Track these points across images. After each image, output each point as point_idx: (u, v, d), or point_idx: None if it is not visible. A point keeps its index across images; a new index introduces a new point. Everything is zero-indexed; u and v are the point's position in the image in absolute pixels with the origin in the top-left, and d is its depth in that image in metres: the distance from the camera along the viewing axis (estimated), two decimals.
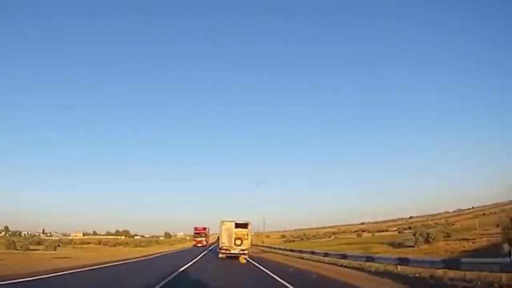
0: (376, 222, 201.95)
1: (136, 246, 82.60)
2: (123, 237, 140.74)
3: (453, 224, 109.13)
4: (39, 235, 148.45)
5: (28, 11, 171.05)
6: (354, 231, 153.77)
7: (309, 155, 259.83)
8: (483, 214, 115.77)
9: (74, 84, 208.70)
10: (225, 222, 30.68)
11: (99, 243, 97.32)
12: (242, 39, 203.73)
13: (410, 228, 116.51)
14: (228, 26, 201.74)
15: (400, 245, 40.51)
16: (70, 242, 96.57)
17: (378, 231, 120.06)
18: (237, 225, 30.43)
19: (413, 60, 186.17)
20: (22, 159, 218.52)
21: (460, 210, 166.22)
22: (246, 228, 30.71)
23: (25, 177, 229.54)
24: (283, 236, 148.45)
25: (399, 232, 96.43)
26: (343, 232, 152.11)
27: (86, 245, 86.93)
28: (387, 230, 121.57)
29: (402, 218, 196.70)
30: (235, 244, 30.06)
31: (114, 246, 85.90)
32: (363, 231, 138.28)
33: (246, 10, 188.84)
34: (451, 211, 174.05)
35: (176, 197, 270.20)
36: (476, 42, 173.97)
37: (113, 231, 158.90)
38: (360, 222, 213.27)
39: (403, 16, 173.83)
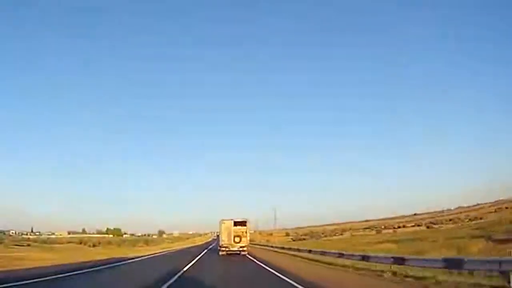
0: (380, 219, 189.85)
1: (119, 246, 66.88)
2: (110, 235, 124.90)
3: (481, 218, 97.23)
4: (27, 234, 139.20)
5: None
6: (365, 228, 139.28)
7: (307, 154, 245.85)
8: (506, 207, 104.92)
9: (68, 82, 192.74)
10: (224, 221, 30.32)
11: (80, 242, 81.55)
12: (243, 38, 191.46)
13: (433, 223, 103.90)
14: (236, 24, 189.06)
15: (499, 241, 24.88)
16: (46, 241, 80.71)
17: (394, 228, 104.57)
18: (236, 223, 30.06)
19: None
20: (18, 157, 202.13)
21: (461, 207, 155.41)
22: (245, 225, 30.32)
23: (20, 175, 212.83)
24: (287, 234, 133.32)
25: (428, 227, 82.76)
26: (351, 229, 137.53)
27: (59, 245, 71.05)
28: (404, 226, 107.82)
29: (405, 216, 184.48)
30: (234, 241, 29.74)
31: (94, 246, 70.15)
32: (375, 227, 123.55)
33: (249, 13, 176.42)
34: (452, 208, 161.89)
35: (173, 196, 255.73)
36: (477, 41, 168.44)
37: (104, 230, 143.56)
38: (365, 219, 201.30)
39: (404, 14, 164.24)
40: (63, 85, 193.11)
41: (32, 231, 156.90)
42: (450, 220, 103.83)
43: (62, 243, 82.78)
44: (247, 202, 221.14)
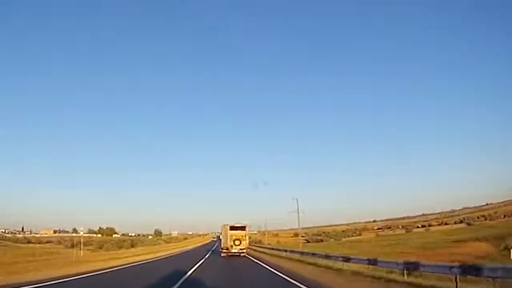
0: (388, 220, 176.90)
1: (99, 248, 52.85)
2: (99, 235, 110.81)
3: None
4: (17, 233, 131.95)
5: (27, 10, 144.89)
6: (378, 228, 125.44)
7: (309, 154, 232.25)
8: None
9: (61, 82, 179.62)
10: (225, 225, 31.72)
11: (59, 242, 68.44)
12: (242, 40, 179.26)
13: (461, 221, 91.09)
14: (229, 27, 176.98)
15: None
16: (18, 240, 67.58)
17: (423, 227, 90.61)
18: (236, 228, 31.41)
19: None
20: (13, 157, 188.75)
21: (467, 207, 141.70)
22: (244, 230, 31.77)
23: (14, 174, 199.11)
24: (296, 235, 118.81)
25: (469, 224, 69.32)
26: (365, 229, 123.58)
27: (32, 245, 57.74)
28: (430, 225, 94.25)
29: (411, 216, 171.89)
30: (234, 244, 30.92)
31: (72, 247, 56.40)
32: (396, 227, 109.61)
33: (248, 12, 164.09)
34: (457, 209, 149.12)
35: (174, 195, 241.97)
36: (475, 43, 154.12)
37: (96, 229, 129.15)
38: (373, 219, 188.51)
39: (404, 17, 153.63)
40: (59, 84, 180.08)
41: (22, 230, 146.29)
42: (478, 217, 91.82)
43: (39, 243, 70.22)
44: (249, 202, 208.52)
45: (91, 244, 59.55)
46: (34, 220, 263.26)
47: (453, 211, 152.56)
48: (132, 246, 54.29)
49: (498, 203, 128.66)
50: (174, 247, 46.31)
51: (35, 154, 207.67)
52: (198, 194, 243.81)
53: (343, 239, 71.99)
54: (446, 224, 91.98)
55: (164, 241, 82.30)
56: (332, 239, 73.72)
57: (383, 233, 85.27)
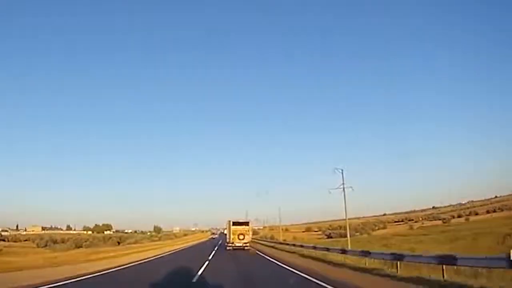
0: (399, 213, 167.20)
1: (77, 247, 42.02)
2: (90, 232, 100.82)
3: None
4: (9, 231, 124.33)
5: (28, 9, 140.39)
6: (396, 221, 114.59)
7: (314, 150, 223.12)
8: None
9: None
10: (230, 221, 33.67)
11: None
12: (244, 38, 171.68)
13: (495, 210, 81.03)
14: (231, 25, 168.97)
15: None
16: None
17: (451, 217, 79.32)
18: (240, 223, 33.68)
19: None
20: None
21: (472, 201, 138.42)
22: (247, 225, 33.89)
23: (12, 173, 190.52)
24: (308, 229, 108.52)
25: None
26: (380, 222, 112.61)
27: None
28: (459, 216, 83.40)
29: (420, 210, 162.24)
30: (238, 238, 32.91)
31: (45, 246, 46.12)
32: (413, 220, 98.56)
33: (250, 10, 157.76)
34: (463, 202, 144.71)
35: (175, 192, 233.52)
36: (476, 41, 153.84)
37: (92, 226, 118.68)
38: (383, 213, 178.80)
39: (407, 16, 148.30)
40: (55, 84, 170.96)
41: (17, 228, 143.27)
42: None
43: (16, 241, 60.00)
44: (253, 199, 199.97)
45: (64, 243, 48.81)
46: (31, 219, 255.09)
47: (461, 204, 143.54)
48: (119, 243, 44.25)
49: (507, 195, 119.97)
50: (153, 247, 34.74)
51: (34, 153, 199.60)
52: (201, 191, 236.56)
53: (372, 233, 60.90)
54: (476, 214, 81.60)
55: (160, 238, 71.09)
56: (358, 233, 62.44)
57: (417, 225, 73.75)
